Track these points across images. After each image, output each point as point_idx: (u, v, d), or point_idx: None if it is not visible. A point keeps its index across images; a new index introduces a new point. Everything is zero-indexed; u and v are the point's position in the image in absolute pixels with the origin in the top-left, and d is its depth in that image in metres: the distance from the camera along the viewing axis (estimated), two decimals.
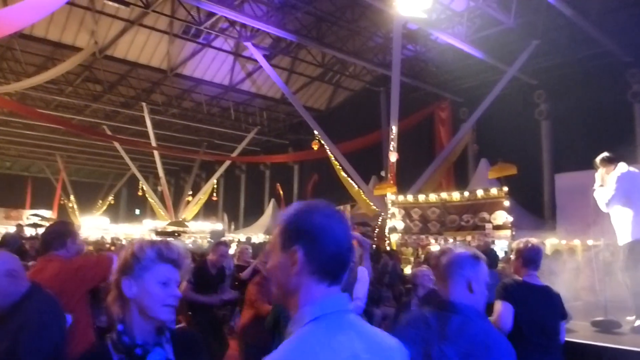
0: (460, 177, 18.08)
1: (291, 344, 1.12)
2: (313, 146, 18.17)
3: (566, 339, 3.98)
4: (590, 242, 11.82)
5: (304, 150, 22.97)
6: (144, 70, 20.65)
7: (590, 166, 5.18)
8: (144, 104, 22.84)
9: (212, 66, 21.08)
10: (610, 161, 4.97)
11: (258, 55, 17.92)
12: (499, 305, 2.97)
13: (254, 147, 28.95)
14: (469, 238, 11.62)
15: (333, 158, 17.09)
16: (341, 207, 17.20)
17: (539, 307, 2.99)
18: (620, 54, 15.45)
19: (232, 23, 16.82)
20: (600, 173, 5.02)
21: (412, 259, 12.48)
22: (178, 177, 36.23)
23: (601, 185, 4.95)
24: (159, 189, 29.29)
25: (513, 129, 16.24)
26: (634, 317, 4.65)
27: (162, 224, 24.89)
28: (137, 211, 37.09)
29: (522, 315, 2.89)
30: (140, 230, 25.30)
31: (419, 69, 19.71)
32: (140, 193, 29.08)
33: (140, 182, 28.31)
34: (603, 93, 14.61)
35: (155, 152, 25.86)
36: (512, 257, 3.39)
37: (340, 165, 16.87)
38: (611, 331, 4.40)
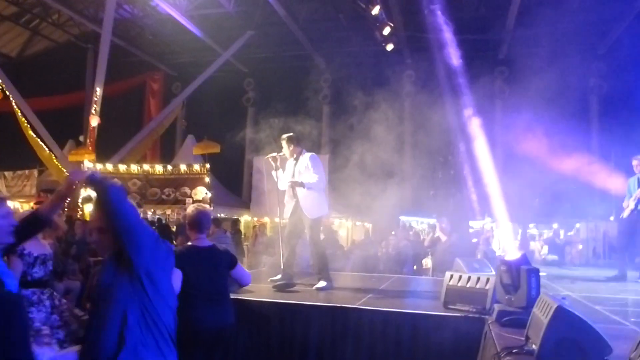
0: (166, 151, 17.95)
1: None
2: None
3: (245, 297, 4.33)
4: (277, 219, 13.31)
5: None
6: None
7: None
8: None
9: None
10: (298, 142, 5.39)
11: None
12: None
13: None
14: (169, 212, 11.65)
15: (20, 114, 14.74)
16: (26, 172, 15.07)
17: (205, 265, 3.47)
18: (318, 59, 17.79)
19: None
20: (284, 150, 5.35)
21: None
22: None
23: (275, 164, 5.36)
24: None
25: (222, 110, 17.03)
26: (279, 277, 5.11)
27: None
28: None
29: (190, 274, 3.28)
30: None
31: (135, 33, 18.62)
32: None
33: None
34: (300, 90, 16.51)
35: None
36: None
37: (29, 123, 14.70)
38: (286, 290, 4.97)
